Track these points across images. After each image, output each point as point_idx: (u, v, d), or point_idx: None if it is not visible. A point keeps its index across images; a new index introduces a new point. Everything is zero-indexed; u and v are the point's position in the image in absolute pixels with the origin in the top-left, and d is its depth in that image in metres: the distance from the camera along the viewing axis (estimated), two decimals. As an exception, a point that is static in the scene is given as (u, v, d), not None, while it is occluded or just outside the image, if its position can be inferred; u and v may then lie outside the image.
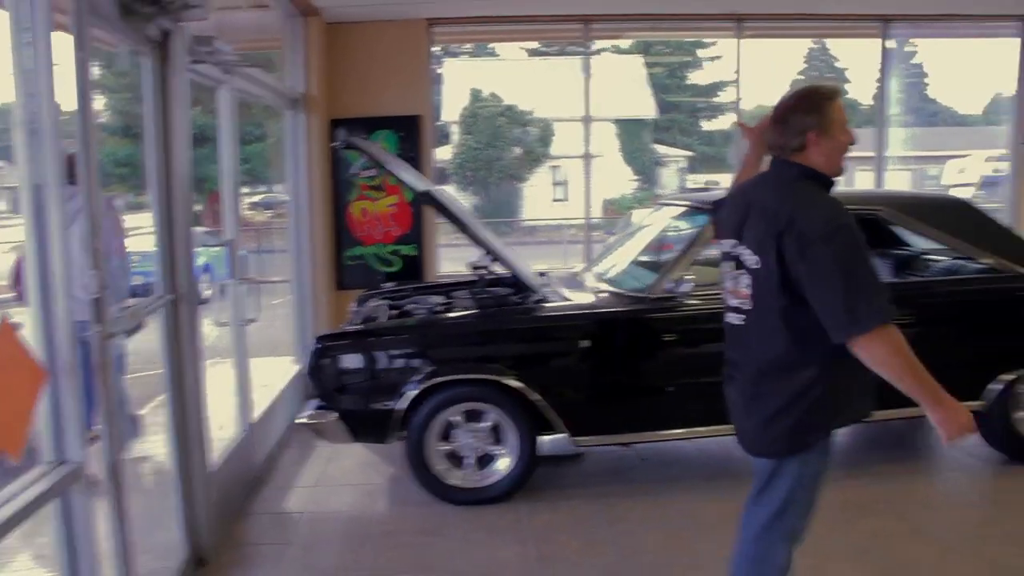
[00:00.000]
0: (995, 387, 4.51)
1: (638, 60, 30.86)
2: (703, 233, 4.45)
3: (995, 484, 4.60)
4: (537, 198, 27.46)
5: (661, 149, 30.71)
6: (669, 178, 30.24)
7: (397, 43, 6.92)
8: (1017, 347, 4.59)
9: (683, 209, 5.05)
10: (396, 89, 6.94)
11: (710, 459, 4.91)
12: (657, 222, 5.26)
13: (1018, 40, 7.63)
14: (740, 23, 7.33)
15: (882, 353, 2.24)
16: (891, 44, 7.61)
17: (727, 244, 2.59)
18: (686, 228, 4.80)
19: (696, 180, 29.17)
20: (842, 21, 7.60)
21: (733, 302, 2.58)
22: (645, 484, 4.59)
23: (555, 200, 26.85)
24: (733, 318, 2.58)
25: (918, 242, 5.21)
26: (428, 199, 4.51)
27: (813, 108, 2.43)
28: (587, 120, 8.20)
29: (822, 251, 2.26)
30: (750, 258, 2.45)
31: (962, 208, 4.92)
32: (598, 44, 29.54)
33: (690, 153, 31.82)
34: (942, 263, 4.98)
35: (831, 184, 2.48)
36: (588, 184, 8.38)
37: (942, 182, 27.14)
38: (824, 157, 2.43)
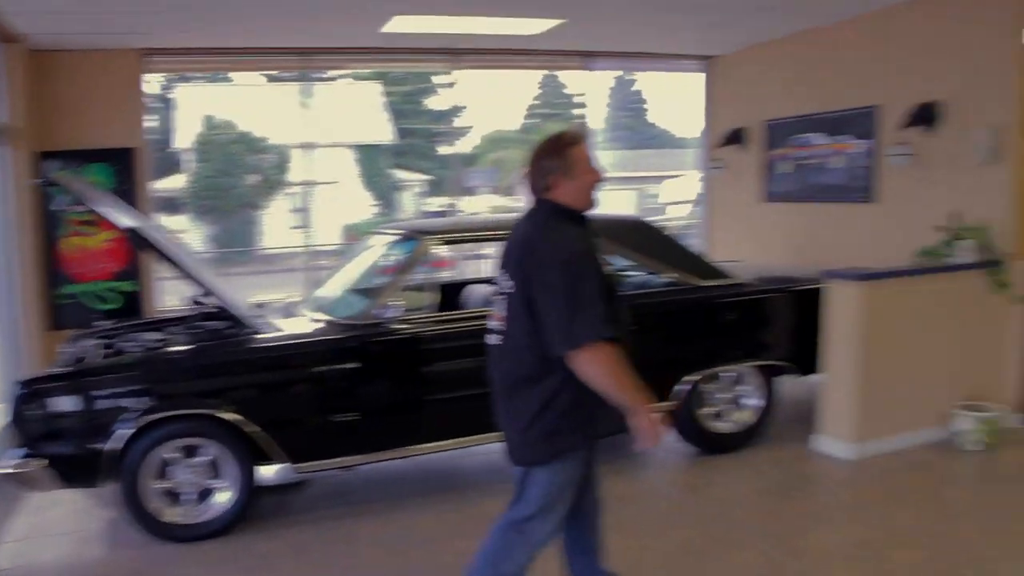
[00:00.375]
0: (682, 388, 5.13)
1: (376, 87, 31.19)
2: (412, 259, 4.73)
3: (687, 475, 5.22)
4: (276, 226, 26.94)
5: (400, 174, 31.15)
6: (408, 202, 30.73)
7: (109, 74, 6.74)
8: (698, 351, 5.26)
9: (396, 236, 5.26)
10: (109, 121, 6.77)
11: (430, 475, 5.20)
12: (372, 249, 5.48)
13: (703, 75, 8.74)
14: (456, 56, 7.83)
15: (591, 368, 2.57)
16: (617, 74, 8.39)
17: (497, 274, 2.87)
18: (396, 255, 5.03)
19: (434, 204, 29.86)
20: (551, 56, 8.28)
21: (492, 325, 2.86)
22: (368, 504, 4.78)
23: (293, 228, 26.47)
24: (491, 339, 2.86)
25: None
26: (134, 236, 4.46)
27: (556, 153, 2.72)
28: (309, 147, 8.37)
29: (552, 274, 2.58)
30: (507, 283, 2.76)
31: (644, 228, 5.53)
32: (334, 72, 29.57)
33: (428, 177, 32.51)
34: (635, 278, 5.49)
35: (580, 217, 2.77)
36: (308, 211, 8.55)
37: (660, 200, 29.56)
38: (570, 195, 2.72)
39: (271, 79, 31.38)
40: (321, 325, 4.71)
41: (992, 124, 5.63)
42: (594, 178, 2.75)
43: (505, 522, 2.84)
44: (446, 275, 9.99)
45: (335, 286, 5.38)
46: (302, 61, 7.60)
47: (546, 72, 41.39)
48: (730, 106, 8.43)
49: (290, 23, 6.42)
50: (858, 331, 5.16)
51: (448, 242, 5.01)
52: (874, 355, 5.21)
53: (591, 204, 2.80)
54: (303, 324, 4.80)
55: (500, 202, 32.56)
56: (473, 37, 7.25)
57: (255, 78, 31.01)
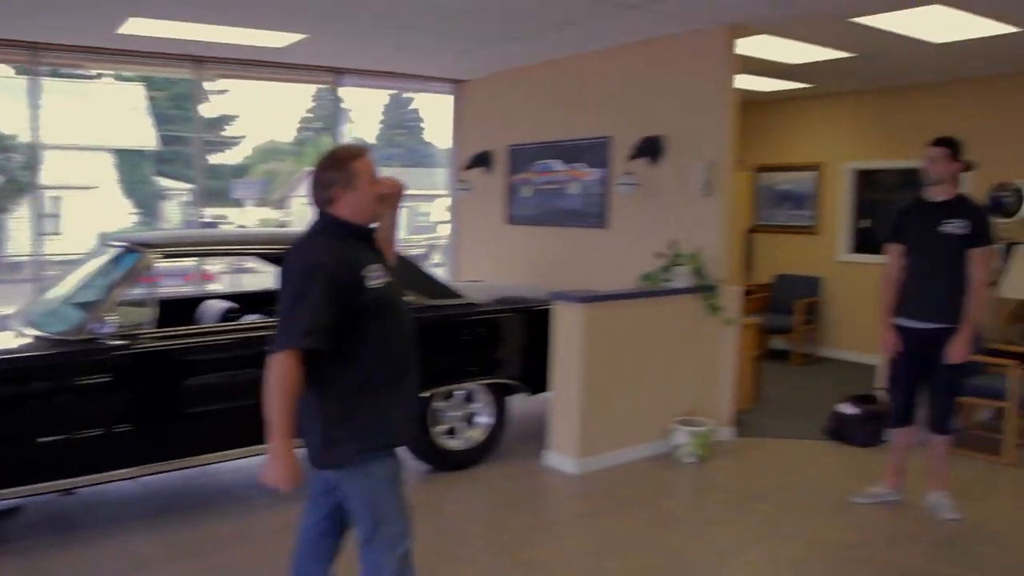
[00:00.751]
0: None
1: (139, 89, 29.49)
2: (132, 272, 4.48)
3: (420, 493, 5.12)
4: (22, 232, 24.80)
5: (164, 182, 29.60)
6: (172, 211, 29.27)
7: None
8: (429, 370, 5.29)
9: (118, 248, 4.93)
10: None
11: (150, 498, 4.93)
12: (94, 262, 5.13)
13: (451, 97, 8.92)
14: (200, 64, 7.57)
15: (271, 376, 2.52)
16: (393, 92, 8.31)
17: None
18: (115, 269, 4.74)
19: (200, 214, 28.65)
20: (301, 70, 8.17)
21: None
22: (83, 530, 4.46)
23: (41, 234, 24.49)
24: None
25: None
26: None
27: (337, 165, 2.70)
28: (61, 148, 7.73)
29: (292, 281, 2.61)
30: None
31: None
32: (97, 70, 27.71)
33: (194, 186, 31.12)
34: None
35: (361, 230, 2.76)
36: (59, 217, 7.90)
37: (432, 219, 29.93)
38: (351, 208, 2.70)
39: (20, 72, 28.96)
40: (29, 340, 4.35)
41: (708, 159, 6.13)
42: (378, 190, 2.76)
43: (361, 544, 2.78)
44: (188, 289, 9.58)
45: (52, 299, 4.99)
46: (31, 56, 7.04)
47: (321, 85, 41.17)
48: (478, 129, 8.68)
49: (16, 12, 5.97)
50: (581, 351, 5.43)
51: (170, 255, 4.78)
52: (596, 374, 5.50)
53: (375, 216, 2.81)
54: (8, 339, 4.42)
55: (270, 215, 31.76)
56: (217, 46, 7.04)
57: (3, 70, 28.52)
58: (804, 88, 9.09)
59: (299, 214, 29.31)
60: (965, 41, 6.39)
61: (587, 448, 5.52)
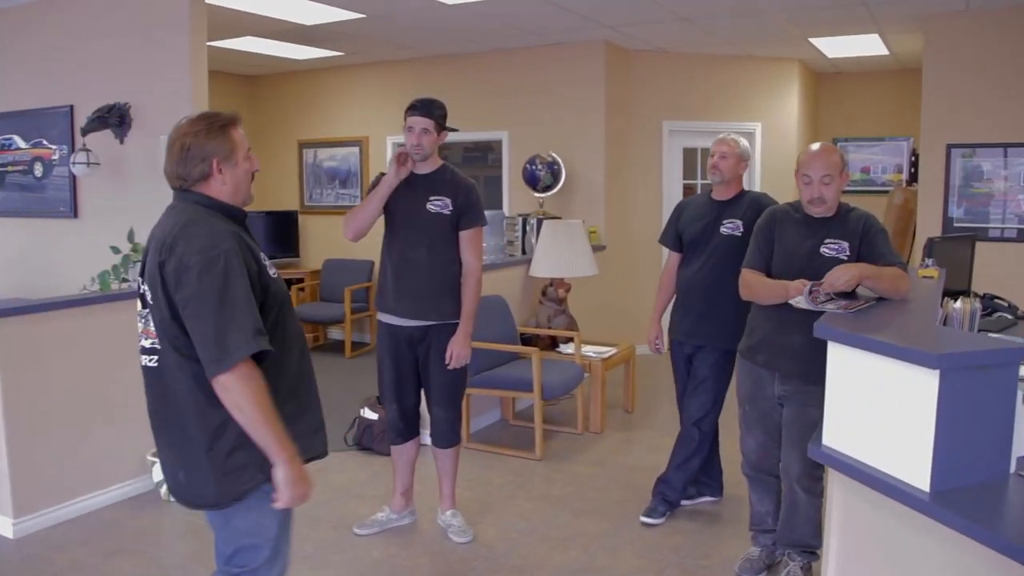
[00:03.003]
0: None
1: None
2: None
3: None
4: None
5: None
6: None
7: None
8: None
9: None
10: None
11: None
12: None
13: None
14: None
15: (241, 394, 2.10)
16: None
17: (139, 281, 2.36)
18: None
19: None
20: None
21: (144, 343, 2.33)
22: None
23: None
24: (145, 360, 2.34)
25: None
26: None
27: (216, 134, 2.28)
28: None
29: (196, 279, 2.12)
30: (148, 293, 2.27)
31: None
32: None
33: None
34: None
35: (238, 213, 2.36)
36: None
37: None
38: (229, 187, 2.32)
39: None
40: None
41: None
42: (253, 167, 2.39)
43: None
44: None
45: None
46: None
47: None
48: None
49: None
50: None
51: None
52: (26, 407, 4.18)
53: (250, 198, 2.42)
54: None
55: None
56: None
57: None
58: (339, 56, 8.32)
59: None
60: (475, 3, 5.93)
61: (25, 503, 4.20)
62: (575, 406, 6.06)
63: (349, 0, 5.82)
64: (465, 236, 4.00)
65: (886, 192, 8.64)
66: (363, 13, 6.18)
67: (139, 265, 4.41)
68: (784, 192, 8.29)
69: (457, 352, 3.98)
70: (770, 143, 8.36)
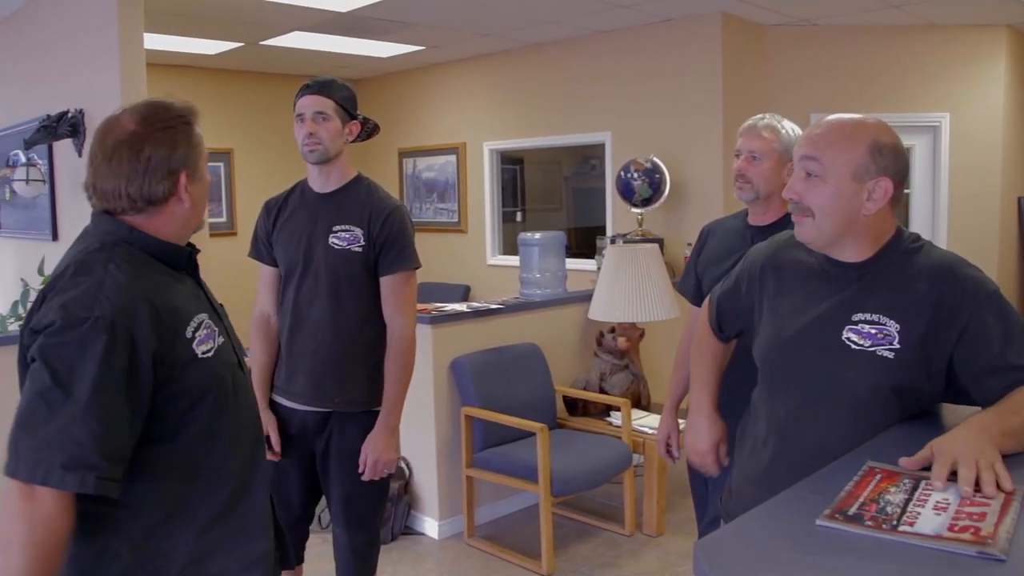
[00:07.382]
0: None
1: None
2: None
3: None
4: None
5: None
6: None
7: None
8: None
9: None
10: None
11: None
12: None
13: None
14: None
15: (12, 528, 1.36)
16: None
17: None
18: None
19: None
20: None
21: None
22: None
23: None
24: None
25: None
26: None
27: (183, 136, 1.57)
28: None
29: (40, 346, 1.43)
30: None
31: None
32: None
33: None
34: None
35: (177, 259, 1.64)
36: None
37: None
38: (187, 211, 1.61)
39: None
40: None
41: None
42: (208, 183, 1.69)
43: None
44: None
45: None
46: None
47: None
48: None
49: None
50: None
51: None
52: None
53: (202, 224, 1.71)
54: None
55: None
56: None
57: None
58: (423, 52, 7.20)
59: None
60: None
61: None
62: (624, 494, 4.51)
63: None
64: (387, 284, 2.71)
65: None
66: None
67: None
68: (983, 225, 6.23)
69: (375, 457, 2.68)
70: (962, 142, 6.26)
